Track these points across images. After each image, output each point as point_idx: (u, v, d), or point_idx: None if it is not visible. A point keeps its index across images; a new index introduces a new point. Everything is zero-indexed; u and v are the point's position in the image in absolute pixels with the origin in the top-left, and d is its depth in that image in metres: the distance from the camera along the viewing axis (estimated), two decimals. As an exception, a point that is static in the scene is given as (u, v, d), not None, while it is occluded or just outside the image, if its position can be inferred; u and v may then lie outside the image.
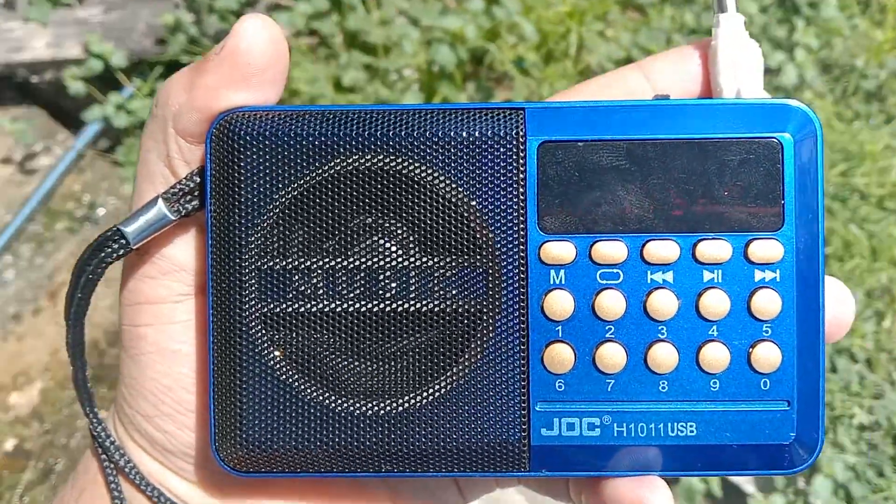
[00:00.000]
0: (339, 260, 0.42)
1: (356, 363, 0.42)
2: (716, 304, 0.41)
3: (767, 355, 0.41)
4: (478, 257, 0.41)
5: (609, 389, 0.42)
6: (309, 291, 0.42)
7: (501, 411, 0.42)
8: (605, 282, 0.42)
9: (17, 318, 1.73)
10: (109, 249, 0.43)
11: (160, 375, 0.44)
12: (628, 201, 0.41)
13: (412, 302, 0.42)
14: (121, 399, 0.46)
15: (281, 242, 0.42)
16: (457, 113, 0.42)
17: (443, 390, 0.42)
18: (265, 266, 0.42)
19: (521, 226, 0.41)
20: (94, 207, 1.88)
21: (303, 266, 0.42)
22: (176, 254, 0.44)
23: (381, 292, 0.42)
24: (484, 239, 0.41)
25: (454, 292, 0.42)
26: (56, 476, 1.56)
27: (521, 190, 0.41)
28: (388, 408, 0.42)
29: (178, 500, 0.45)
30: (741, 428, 0.42)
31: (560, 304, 0.42)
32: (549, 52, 1.79)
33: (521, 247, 0.41)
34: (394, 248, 0.42)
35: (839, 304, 0.43)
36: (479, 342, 0.41)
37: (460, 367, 0.42)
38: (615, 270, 0.42)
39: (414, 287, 0.42)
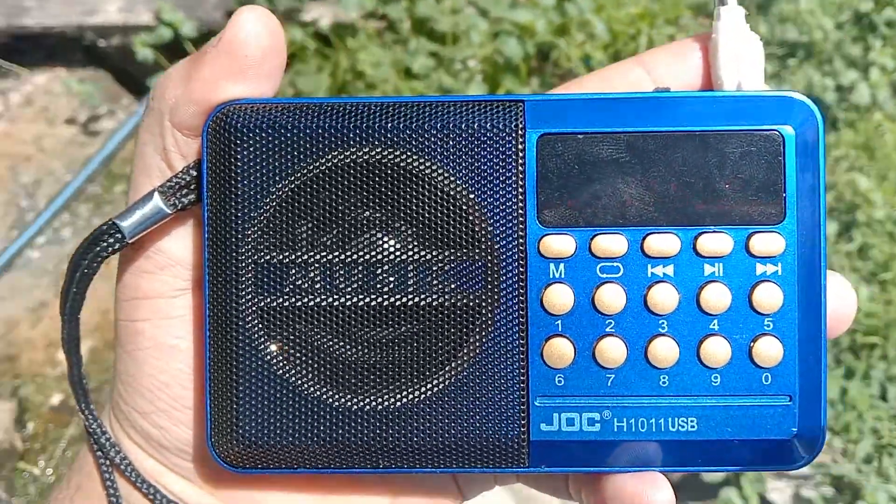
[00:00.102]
0: (336, 253, 0.41)
1: (354, 358, 0.42)
2: (717, 297, 0.41)
3: (769, 349, 0.41)
4: (476, 251, 0.41)
5: (609, 384, 0.41)
6: (306, 285, 0.42)
7: (500, 406, 0.41)
8: (605, 275, 0.41)
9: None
10: (105, 244, 0.42)
11: (157, 371, 0.44)
12: (628, 194, 0.41)
13: (410, 296, 0.41)
14: (117, 396, 0.45)
15: (278, 236, 0.41)
16: (456, 105, 0.41)
17: (441, 385, 0.41)
18: (262, 260, 0.41)
19: (521, 219, 0.41)
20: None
21: (300, 260, 0.41)
22: (172, 248, 0.43)
23: (378, 286, 0.41)
24: (483, 232, 0.41)
25: (453, 286, 0.41)
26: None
27: (520, 183, 0.41)
28: (386, 403, 0.41)
29: (174, 497, 0.45)
30: (742, 423, 0.41)
31: (559, 297, 0.41)
32: (616, 53, 1.80)
33: (521, 240, 0.41)
34: (392, 242, 0.41)
35: (840, 298, 0.42)
36: (477, 337, 0.41)
37: (459, 362, 0.41)
38: (615, 264, 0.41)
39: (412, 281, 0.41)
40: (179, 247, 0.44)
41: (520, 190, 0.41)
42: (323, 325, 0.42)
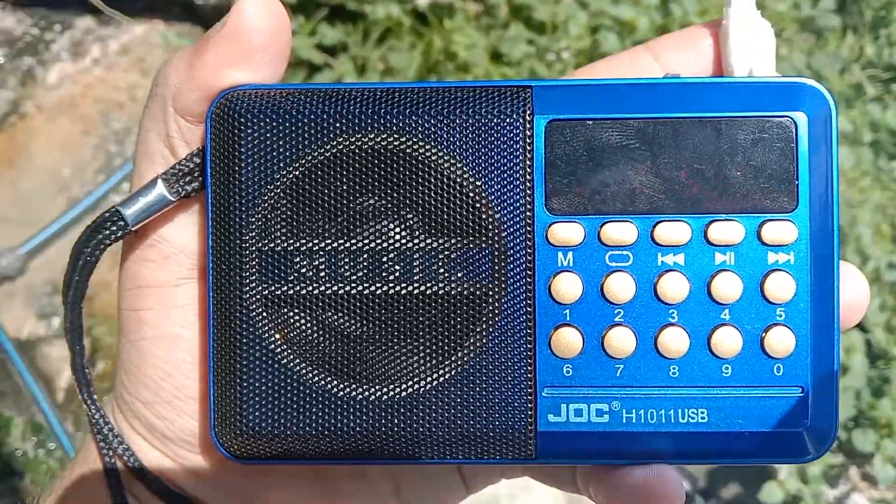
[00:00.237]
0: (341, 241, 0.41)
1: (358, 347, 0.41)
2: (728, 287, 0.40)
3: (781, 340, 0.40)
4: (483, 239, 0.40)
5: (618, 375, 0.41)
6: (311, 273, 0.41)
7: (507, 397, 0.41)
8: (614, 264, 0.41)
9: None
10: (108, 231, 0.42)
11: (161, 361, 0.43)
12: (638, 181, 0.40)
13: (416, 284, 0.41)
14: (120, 386, 0.45)
15: (282, 223, 0.41)
16: (463, 91, 0.41)
17: (447, 375, 0.41)
18: (266, 247, 0.41)
19: (528, 206, 0.40)
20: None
21: (305, 247, 0.41)
22: (176, 236, 0.43)
23: (384, 274, 0.41)
24: (490, 220, 0.40)
25: (459, 274, 0.41)
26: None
27: (528, 170, 0.40)
28: (391, 393, 0.41)
29: (178, 487, 0.45)
30: (754, 414, 0.41)
31: (568, 286, 0.41)
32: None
33: (528, 228, 0.40)
34: (397, 230, 0.41)
35: (853, 288, 0.42)
36: (484, 326, 0.41)
37: (465, 352, 0.41)
38: (625, 252, 0.41)
39: (418, 269, 0.41)
40: (183, 235, 0.43)
41: (527, 177, 0.40)
42: (328, 314, 0.41)
